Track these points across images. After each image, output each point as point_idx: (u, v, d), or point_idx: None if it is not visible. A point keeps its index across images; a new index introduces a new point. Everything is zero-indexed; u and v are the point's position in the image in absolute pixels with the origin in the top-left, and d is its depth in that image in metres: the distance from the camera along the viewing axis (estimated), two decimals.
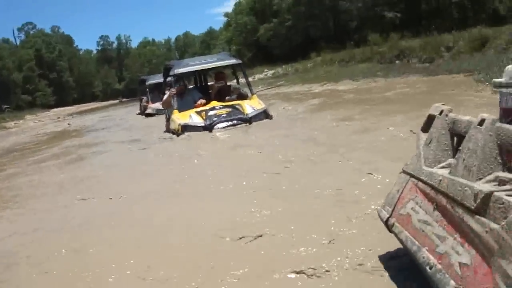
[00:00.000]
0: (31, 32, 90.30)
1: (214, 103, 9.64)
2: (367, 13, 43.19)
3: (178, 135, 9.13)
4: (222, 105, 9.52)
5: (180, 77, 11.71)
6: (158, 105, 16.24)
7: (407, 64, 18.79)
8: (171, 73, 10.84)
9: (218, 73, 11.10)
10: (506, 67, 2.05)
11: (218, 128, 8.92)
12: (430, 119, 2.39)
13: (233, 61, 11.38)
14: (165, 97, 10.71)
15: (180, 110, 9.79)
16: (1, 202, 6.28)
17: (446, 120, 2.27)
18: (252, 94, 10.54)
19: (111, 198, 5.24)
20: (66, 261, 3.48)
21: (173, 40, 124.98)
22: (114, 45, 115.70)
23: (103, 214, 4.64)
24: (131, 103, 50.63)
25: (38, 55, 76.49)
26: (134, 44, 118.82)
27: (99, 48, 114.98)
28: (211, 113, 9.23)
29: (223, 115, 9.15)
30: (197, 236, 3.55)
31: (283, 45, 49.94)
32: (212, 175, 5.65)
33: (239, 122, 9.09)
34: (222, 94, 10.20)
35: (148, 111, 18.06)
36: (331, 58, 28.64)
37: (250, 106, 9.54)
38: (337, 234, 3.17)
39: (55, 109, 56.46)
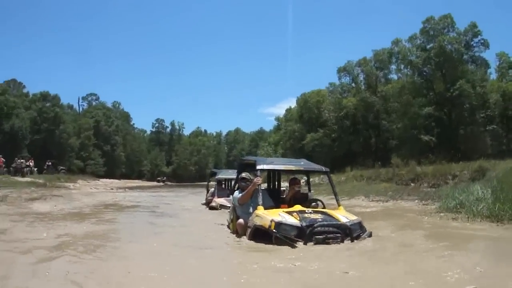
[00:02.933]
0: (94, 103, 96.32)
1: (299, 207, 8.66)
2: (405, 134, 45.83)
3: (274, 237, 7.67)
4: (311, 210, 8.58)
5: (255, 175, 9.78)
6: (222, 201, 17.31)
7: (418, 188, 20.48)
8: (258, 167, 9.59)
9: (294, 178, 9.96)
10: None
11: (316, 238, 7.57)
12: None
13: (321, 168, 10.39)
14: (241, 191, 9.71)
15: (265, 207, 8.72)
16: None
17: None
18: (339, 205, 9.49)
19: None
20: None
21: (224, 134, 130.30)
22: (168, 129, 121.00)
23: None
24: (175, 188, 52.94)
25: (96, 126, 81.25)
26: (186, 131, 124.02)
27: (153, 129, 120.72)
28: (304, 215, 8.15)
29: (318, 219, 7.99)
30: None
31: (327, 155, 51.95)
32: None
33: (338, 230, 7.86)
34: (297, 199, 9.32)
35: (212, 204, 18.05)
36: (361, 175, 30.34)
37: (341, 215, 8.51)
38: None
39: (104, 180, 59.30)
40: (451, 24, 47.73)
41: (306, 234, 7.57)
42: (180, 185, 71.55)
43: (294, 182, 9.67)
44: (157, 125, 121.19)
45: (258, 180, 9.14)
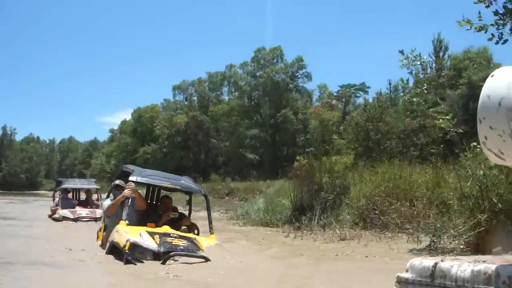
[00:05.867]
0: None
1: (166, 228, 7.96)
2: (232, 152, 50.06)
3: (125, 259, 6.92)
4: (177, 234, 7.87)
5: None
6: (66, 212, 16.34)
7: (231, 201, 23.16)
8: (131, 178, 8.65)
9: (166, 197, 9.70)
10: (410, 262, 2.00)
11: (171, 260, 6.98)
12: None
13: (200, 190, 9.76)
14: (110, 201, 8.96)
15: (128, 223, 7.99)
16: None
17: None
18: (212, 233, 8.82)
19: None
20: None
21: (57, 142, 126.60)
22: None
23: None
24: (6, 196, 50.49)
25: None
26: (19, 137, 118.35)
27: None
28: (166, 239, 7.50)
29: (180, 247, 7.36)
30: None
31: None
32: None
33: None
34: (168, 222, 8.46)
35: (55, 216, 16.75)
36: None
37: (207, 245, 7.88)
38: None
39: None
40: (280, 55, 53.73)
41: (163, 261, 6.84)
42: (11, 193, 68.17)
43: (167, 207, 8.92)
44: None
45: (130, 192, 8.30)
